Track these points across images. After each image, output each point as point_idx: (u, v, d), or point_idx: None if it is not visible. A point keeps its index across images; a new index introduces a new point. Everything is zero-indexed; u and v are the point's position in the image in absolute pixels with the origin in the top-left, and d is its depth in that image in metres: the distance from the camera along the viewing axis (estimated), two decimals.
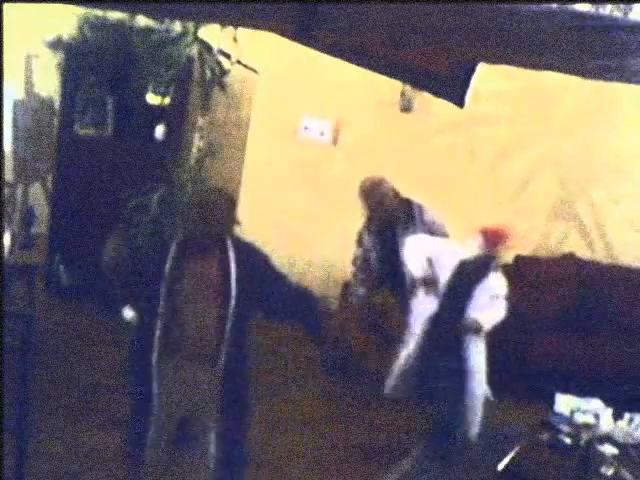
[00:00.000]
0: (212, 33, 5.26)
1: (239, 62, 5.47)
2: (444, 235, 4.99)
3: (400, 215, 4.99)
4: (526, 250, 6.28)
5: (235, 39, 5.25)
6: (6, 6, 2.12)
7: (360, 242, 5.14)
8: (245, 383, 3.30)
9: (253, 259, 3.22)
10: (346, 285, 5.51)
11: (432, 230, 4.96)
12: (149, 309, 3.15)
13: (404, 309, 4.98)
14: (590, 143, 6.28)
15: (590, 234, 6.40)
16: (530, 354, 5.38)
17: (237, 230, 3.28)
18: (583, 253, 6.25)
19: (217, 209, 3.16)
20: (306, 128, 6.35)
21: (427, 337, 4.40)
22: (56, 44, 5.66)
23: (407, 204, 4.99)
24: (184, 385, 3.16)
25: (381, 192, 4.99)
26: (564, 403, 4.04)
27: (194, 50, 5.28)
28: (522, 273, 5.97)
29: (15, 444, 3.33)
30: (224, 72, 5.41)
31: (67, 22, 5.56)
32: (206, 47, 5.31)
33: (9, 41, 2.34)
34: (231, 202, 3.29)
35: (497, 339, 5.85)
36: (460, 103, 2.82)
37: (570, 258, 6.11)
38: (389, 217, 5.02)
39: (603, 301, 5.86)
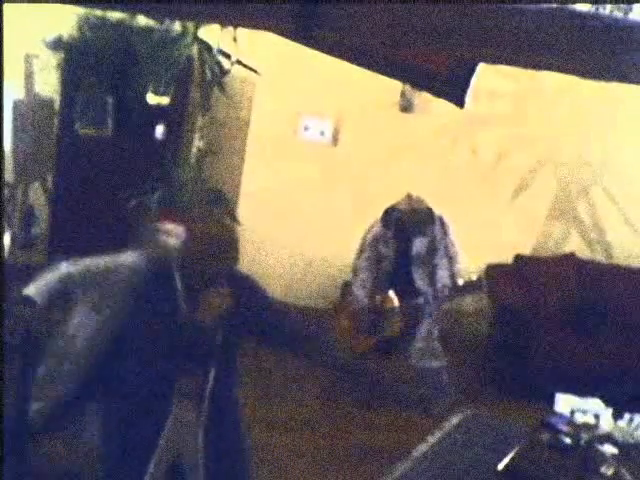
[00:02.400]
0: (212, 33, 5.27)
1: (239, 62, 5.47)
2: (453, 244, 5.03)
3: (421, 219, 5.02)
4: (526, 250, 6.30)
5: (235, 39, 5.26)
6: (6, 6, 2.12)
7: (373, 240, 5.13)
8: (234, 421, 2.97)
9: (250, 295, 2.95)
10: (346, 285, 5.51)
11: (441, 241, 5.00)
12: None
13: (409, 313, 5.00)
14: (590, 143, 6.28)
15: (590, 234, 6.41)
16: (530, 354, 5.38)
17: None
18: (583, 253, 6.26)
19: (217, 246, 2.80)
20: (306, 128, 6.36)
21: None
22: (56, 44, 5.66)
23: (429, 215, 5.03)
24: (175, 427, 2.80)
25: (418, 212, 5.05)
26: (564, 403, 4.04)
27: (194, 50, 5.29)
28: (522, 273, 5.98)
29: (15, 444, 3.32)
30: (224, 72, 5.42)
31: (67, 22, 5.56)
32: (206, 47, 5.32)
33: (9, 41, 2.33)
34: (232, 237, 2.90)
35: (497, 339, 5.87)
36: (460, 103, 2.81)
37: (570, 258, 6.11)
38: (411, 219, 5.04)
39: (603, 301, 5.86)
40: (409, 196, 5.04)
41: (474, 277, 5.03)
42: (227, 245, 2.81)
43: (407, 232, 5.06)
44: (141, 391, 2.76)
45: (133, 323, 2.76)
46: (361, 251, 5.18)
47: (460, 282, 5.02)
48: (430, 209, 5.04)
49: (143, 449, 2.77)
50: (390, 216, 5.11)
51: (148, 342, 2.74)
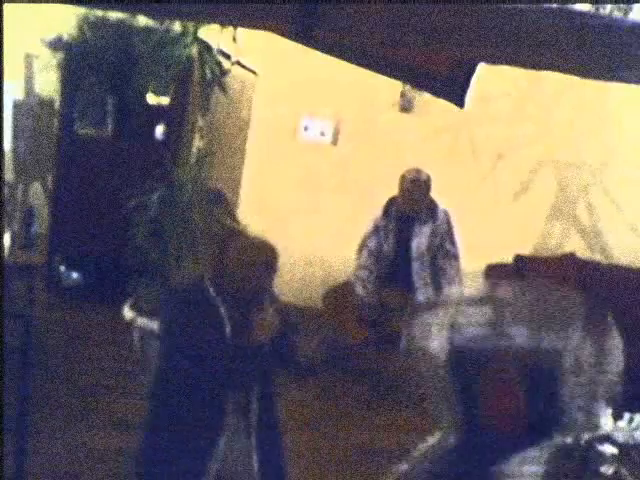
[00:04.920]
0: (212, 33, 5.27)
1: (239, 63, 5.47)
2: (455, 243, 5.01)
3: (423, 210, 4.99)
4: (526, 250, 6.30)
5: (235, 39, 5.26)
6: (6, 6, 2.12)
7: (374, 231, 5.10)
8: (278, 449, 2.97)
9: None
10: (346, 284, 5.50)
11: (443, 236, 4.98)
12: None
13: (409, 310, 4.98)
14: (590, 143, 6.28)
15: (590, 234, 6.41)
16: None
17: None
18: (583, 253, 6.26)
19: (256, 265, 2.75)
20: (306, 128, 6.36)
21: None
22: (56, 44, 5.66)
23: (432, 204, 5.00)
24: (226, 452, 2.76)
25: (421, 184, 4.98)
26: None
27: (194, 50, 5.29)
28: (522, 273, 5.98)
29: (15, 444, 3.33)
30: (224, 72, 5.42)
31: (67, 22, 5.56)
32: (206, 47, 5.31)
33: (9, 41, 2.33)
34: (273, 256, 2.87)
35: None
36: (460, 103, 2.82)
37: (570, 258, 6.11)
38: (413, 208, 5.00)
39: (603, 301, 5.86)
40: (414, 180, 5.00)
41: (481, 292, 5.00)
42: (267, 262, 2.78)
43: (407, 223, 5.03)
44: (190, 415, 2.67)
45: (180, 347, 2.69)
46: (362, 244, 5.17)
47: (467, 293, 5.00)
48: (433, 200, 5.02)
49: (192, 474, 2.67)
50: (391, 206, 5.10)
51: (195, 366, 2.64)
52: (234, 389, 2.73)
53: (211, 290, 2.68)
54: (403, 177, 5.03)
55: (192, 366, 2.60)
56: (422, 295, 4.98)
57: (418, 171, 5.03)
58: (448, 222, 5.01)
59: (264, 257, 2.78)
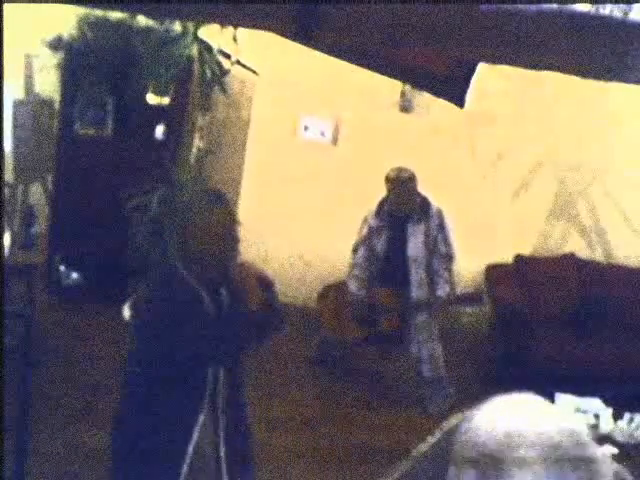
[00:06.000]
0: (212, 33, 5.27)
1: (239, 62, 5.48)
2: (449, 243, 5.00)
3: (415, 210, 4.98)
4: (526, 250, 6.30)
5: (235, 39, 5.26)
6: (6, 6, 2.12)
7: (367, 233, 5.11)
8: (244, 423, 2.92)
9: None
10: (342, 283, 5.51)
11: (436, 236, 4.97)
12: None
13: (404, 309, 4.99)
14: (590, 143, 6.28)
15: (590, 234, 6.41)
16: (530, 354, 5.38)
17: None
18: (583, 253, 6.26)
19: (218, 230, 2.77)
20: (306, 128, 6.36)
21: None
22: (56, 44, 5.66)
23: (425, 202, 5.00)
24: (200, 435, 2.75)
25: (405, 182, 4.98)
26: (564, 403, 4.04)
27: (194, 50, 5.29)
28: (522, 273, 5.98)
29: (15, 444, 3.33)
30: (224, 72, 5.43)
31: (67, 22, 5.56)
32: (206, 47, 5.32)
33: (9, 41, 2.33)
34: (232, 219, 2.88)
35: (497, 339, 5.87)
36: (460, 103, 2.82)
37: (570, 258, 6.12)
38: (405, 208, 5.00)
39: (603, 301, 5.86)
40: (395, 178, 4.99)
41: (474, 291, 5.02)
42: (228, 233, 2.80)
43: (400, 222, 5.02)
44: (172, 398, 2.65)
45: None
46: (357, 243, 5.17)
47: (459, 292, 5.01)
48: (426, 199, 5.01)
49: (173, 458, 2.67)
50: (383, 206, 5.10)
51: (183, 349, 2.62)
52: (220, 365, 2.72)
53: (185, 273, 2.69)
54: (387, 177, 5.02)
55: (180, 349, 2.59)
56: (418, 295, 4.97)
57: (400, 169, 5.02)
58: (441, 220, 5.00)
59: (224, 229, 2.81)
